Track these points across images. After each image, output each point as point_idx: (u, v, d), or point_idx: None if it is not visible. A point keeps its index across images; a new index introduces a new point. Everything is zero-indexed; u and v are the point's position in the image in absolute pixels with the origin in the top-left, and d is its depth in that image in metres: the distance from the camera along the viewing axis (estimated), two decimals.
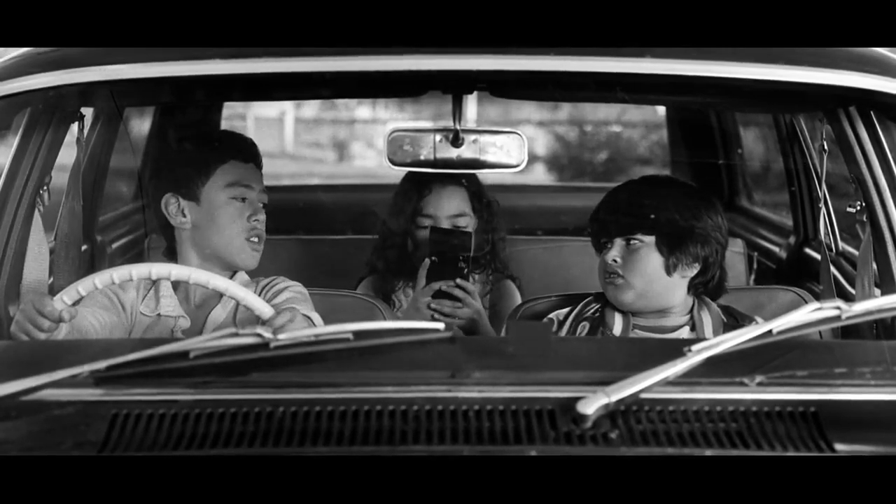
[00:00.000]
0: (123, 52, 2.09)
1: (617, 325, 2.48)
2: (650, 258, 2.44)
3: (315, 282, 2.67)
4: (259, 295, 2.44)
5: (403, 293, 3.08)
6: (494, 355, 1.87)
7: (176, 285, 2.57)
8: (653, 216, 2.43)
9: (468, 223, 3.04)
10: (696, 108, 3.98)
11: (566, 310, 2.56)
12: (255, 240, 2.57)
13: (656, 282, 2.44)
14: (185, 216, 2.56)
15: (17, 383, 1.65)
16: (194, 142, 2.77)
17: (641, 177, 2.69)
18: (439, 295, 2.81)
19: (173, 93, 2.53)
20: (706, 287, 2.49)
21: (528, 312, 2.62)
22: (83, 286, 2.10)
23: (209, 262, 2.55)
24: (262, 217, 2.60)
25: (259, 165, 2.66)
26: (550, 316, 2.56)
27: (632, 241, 2.44)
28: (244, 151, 2.63)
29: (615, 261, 2.44)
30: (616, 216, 2.48)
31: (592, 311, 2.54)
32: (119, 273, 2.13)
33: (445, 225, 3.00)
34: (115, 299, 2.53)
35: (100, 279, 2.11)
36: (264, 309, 2.10)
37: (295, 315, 2.14)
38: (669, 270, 2.44)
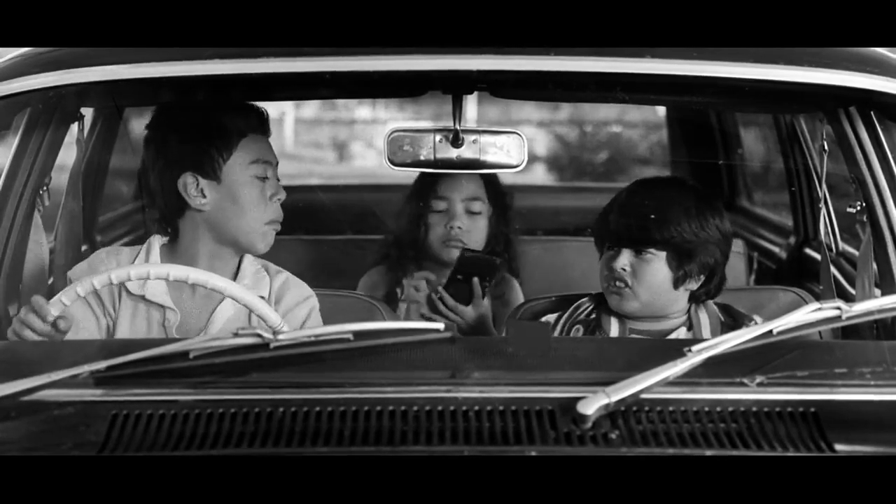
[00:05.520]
0: (123, 52, 2.09)
1: (613, 328, 2.46)
2: (660, 271, 2.40)
3: (315, 282, 2.66)
4: (272, 288, 2.39)
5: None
6: (494, 355, 1.87)
7: None
8: (666, 233, 2.38)
9: (482, 209, 3.06)
10: (696, 108, 3.98)
11: (556, 314, 2.54)
12: (276, 224, 2.42)
13: (662, 294, 2.42)
14: (204, 197, 2.36)
15: (17, 383, 1.65)
16: (211, 114, 2.46)
17: (652, 178, 2.67)
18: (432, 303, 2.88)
19: (173, 93, 2.52)
20: (707, 295, 2.49)
21: (528, 313, 2.62)
22: (82, 287, 2.10)
23: (224, 245, 2.39)
24: (283, 196, 2.43)
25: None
26: (542, 320, 2.54)
27: (642, 253, 2.41)
28: (264, 124, 2.46)
29: (624, 269, 2.40)
30: (627, 225, 2.42)
31: (586, 313, 2.52)
32: (117, 274, 2.12)
33: (459, 208, 3.03)
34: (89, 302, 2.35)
35: (98, 280, 2.10)
36: (273, 317, 2.07)
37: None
38: (677, 284, 2.42)
